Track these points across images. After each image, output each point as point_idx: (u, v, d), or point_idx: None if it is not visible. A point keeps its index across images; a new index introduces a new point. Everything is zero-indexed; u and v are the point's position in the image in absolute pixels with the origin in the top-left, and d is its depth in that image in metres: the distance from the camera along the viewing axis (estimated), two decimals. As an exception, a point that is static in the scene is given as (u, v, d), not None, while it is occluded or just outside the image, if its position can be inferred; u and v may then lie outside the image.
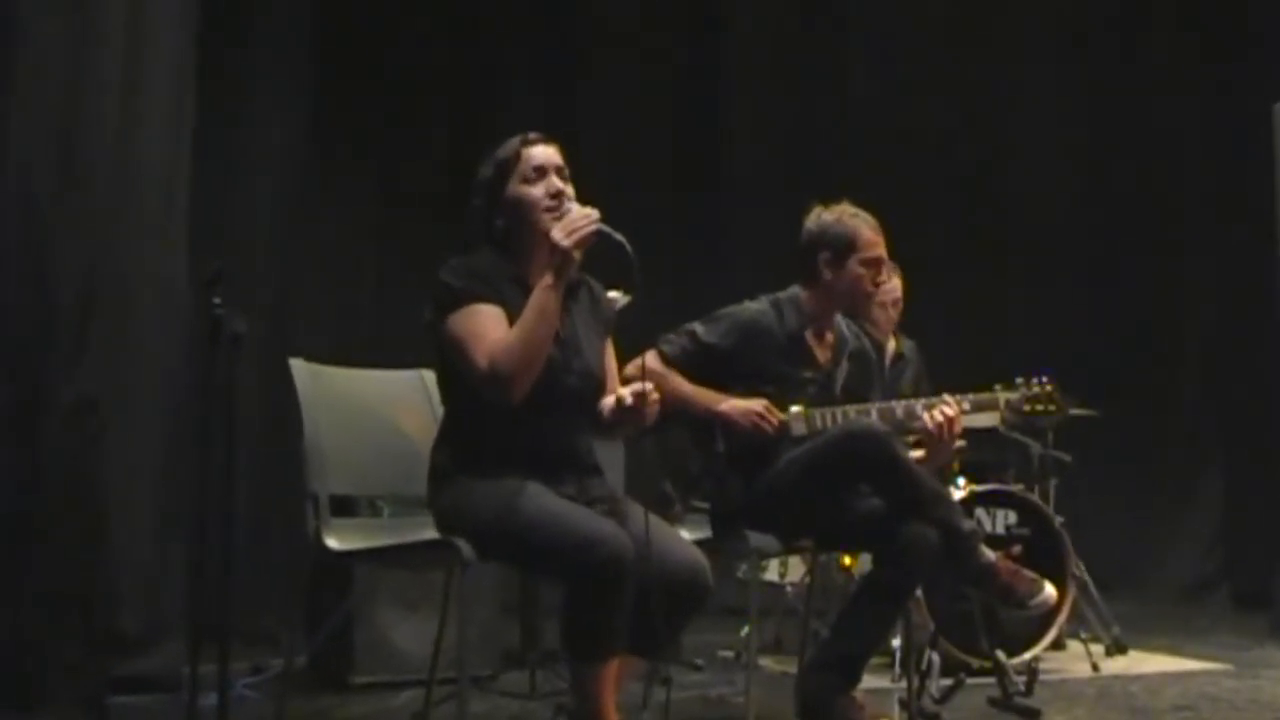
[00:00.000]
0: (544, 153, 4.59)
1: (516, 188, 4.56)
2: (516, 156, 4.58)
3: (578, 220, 4.38)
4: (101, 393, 5.94)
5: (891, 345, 7.54)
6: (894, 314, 7.47)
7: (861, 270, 5.62)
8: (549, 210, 4.50)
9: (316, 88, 8.72)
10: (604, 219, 4.40)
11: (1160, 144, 10.66)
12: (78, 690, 5.61)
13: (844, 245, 5.59)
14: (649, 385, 4.48)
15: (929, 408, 5.47)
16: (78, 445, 5.90)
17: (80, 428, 5.89)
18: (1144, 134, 10.69)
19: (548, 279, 4.36)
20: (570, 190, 4.56)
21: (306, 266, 8.69)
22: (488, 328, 4.39)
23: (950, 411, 5.44)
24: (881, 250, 5.68)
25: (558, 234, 4.36)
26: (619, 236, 4.39)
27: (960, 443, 6.45)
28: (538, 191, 4.54)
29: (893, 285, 7.28)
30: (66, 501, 5.85)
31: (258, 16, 8.44)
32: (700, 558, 4.45)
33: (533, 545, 4.25)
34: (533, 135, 4.63)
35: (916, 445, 5.54)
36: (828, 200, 5.70)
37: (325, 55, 8.79)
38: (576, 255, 4.38)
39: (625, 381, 4.93)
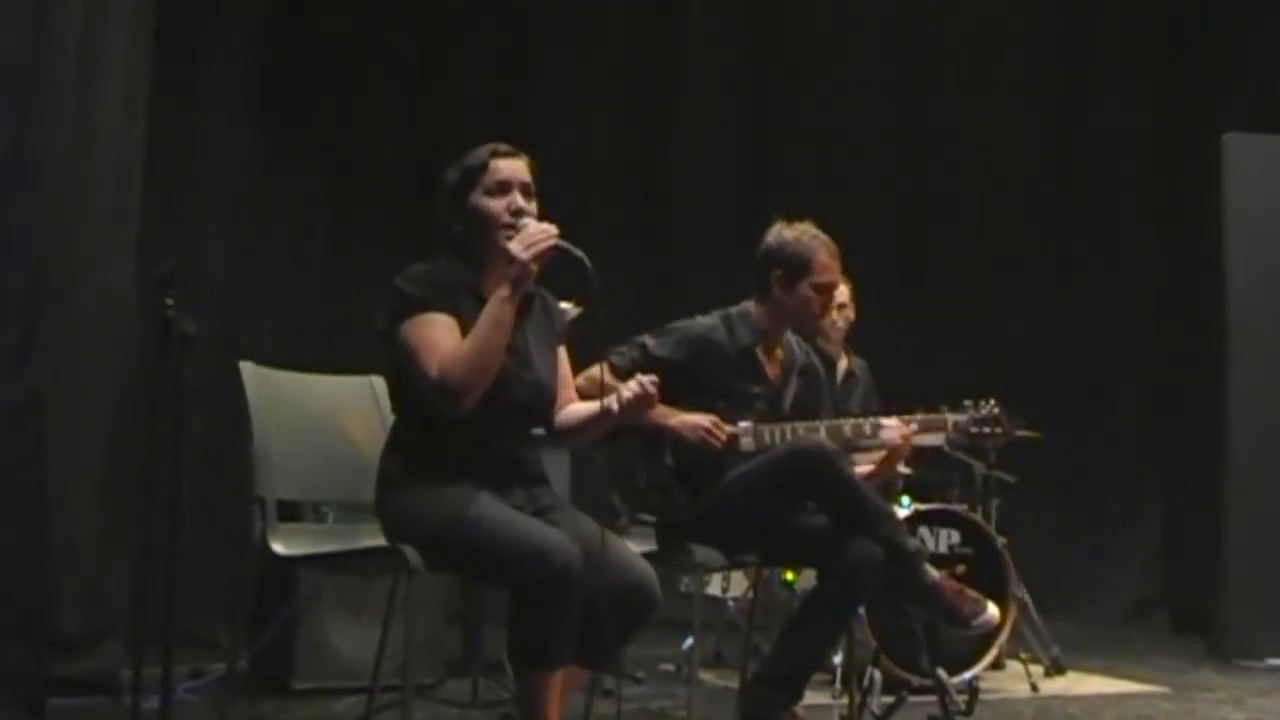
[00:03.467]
0: (512, 167, 4.58)
1: (479, 199, 4.55)
2: (484, 167, 4.56)
3: (535, 235, 4.38)
4: (47, 393, 5.90)
5: (843, 363, 7.58)
6: (840, 320, 7.48)
7: (811, 294, 5.65)
8: (507, 227, 4.50)
9: (268, 91, 8.69)
10: (558, 226, 4.42)
11: (1106, 172, 10.74)
12: (17, 692, 5.56)
13: (798, 266, 5.62)
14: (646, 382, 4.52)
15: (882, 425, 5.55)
16: (22, 446, 5.86)
17: (25, 428, 5.85)
18: (1090, 161, 10.77)
19: (503, 291, 4.36)
20: (533, 208, 4.56)
21: (257, 270, 8.66)
22: (440, 337, 4.39)
23: (908, 431, 5.52)
24: (835, 276, 5.72)
25: (515, 247, 4.36)
26: (578, 253, 4.40)
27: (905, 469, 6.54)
28: (498, 206, 4.53)
29: (839, 290, 7.28)
30: (9, 502, 5.81)
31: (209, 20, 8.41)
32: (648, 570, 4.46)
33: (481, 554, 4.25)
34: (503, 148, 4.62)
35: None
36: (791, 217, 5.72)
37: (277, 59, 8.76)
38: (533, 269, 4.39)
39: (577, 392, 4.95)
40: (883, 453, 5.74)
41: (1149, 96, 10.77)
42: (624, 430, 5.36)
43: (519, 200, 4.54)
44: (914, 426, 5.62)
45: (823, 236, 5.66)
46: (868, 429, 5.58)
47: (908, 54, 10.75)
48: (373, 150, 9.38)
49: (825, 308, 5.81)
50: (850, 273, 6.93)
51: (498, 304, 4.36)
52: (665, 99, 10.45)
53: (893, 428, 5.55)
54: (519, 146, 4.68)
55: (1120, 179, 10.74)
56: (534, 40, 10.15)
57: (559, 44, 10.16)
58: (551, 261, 4.42)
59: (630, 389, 4.52)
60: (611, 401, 4.56)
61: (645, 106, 10.40)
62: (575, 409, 4.78)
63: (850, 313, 7.60)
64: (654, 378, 4.55)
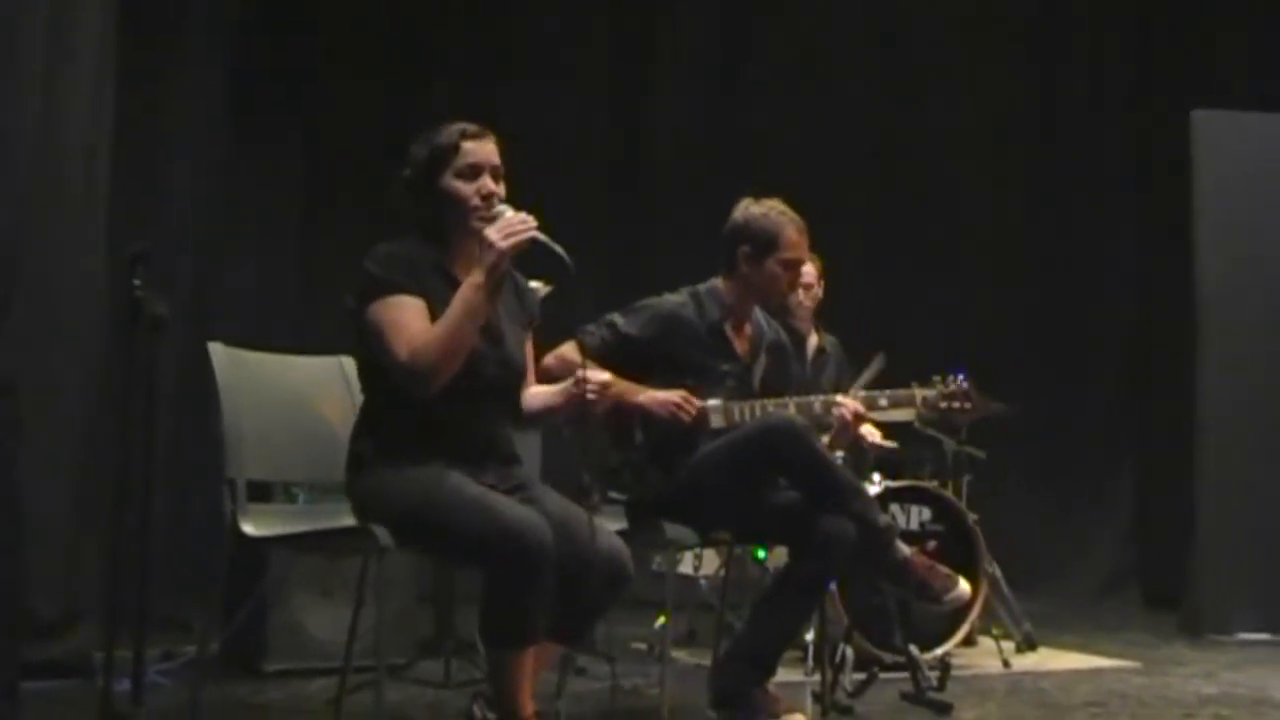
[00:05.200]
0: (482, 150, 4.55)
1: (450, 181, 4.52)
2: (455, 149, 4.53)
3: (515, 225, 4.36)
4: (19, 376, 5.88)
5: (814, 340, 7.60)
6: (806, 299, 7.49)
7: (779, 270, 5.64)
8: (477, 210, 4.48)
9: (239, 73, 8.68)
10: (534, 210, 4.41)
11: (1079, 147, 10.76)
12: (-11, 675, 5.56)
13: (765, 242, 5.62)
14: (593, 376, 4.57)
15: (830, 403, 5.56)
16: (-5, 425, 5.85)
17: (-2, 409, 5.84)
18: (1062, 137, 10.80)
19: (477, 277, 4.34)
20: (501, 190, 4.54)
21: (227, 251, 8.65)
22: (409, 319, 4.37)
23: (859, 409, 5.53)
24: (803, 253, 5.72)
25: (494, 235, 4.34)
26: (558, 248, 4.38)
27: (873, 434, 6.52)
28: (469, 190, 4.50)
29: (806, 270, 7.30)
30: (-21, 485, 5.80)
31: (180, 4, 8.38)
32: (621, 546, 4.47)
33: (454, 533, 4.25)
34: (472, 129, 4.58)
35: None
36: (759, 194, 5.72)
37: (248, 39, 8.75)
38: (508, 258, 4.38)
39: (544, 372, 4.96)
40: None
41: (1121, 75, 10.79)
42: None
43: (489, 184, 4.52)
44: (884, 403, 5.63)
45: (790, 213, 5.66)
46: (817, 407, 5.57)
47: (885, 39, 10.77)
48: (345, 133, 9.38)
49: (793, 284, 5.81)
50: (818, 251, 6.94)
51: (472, 290, 4.33)
52: (641, 74, 10.49)
53: (845, 406, 5.55)
54: (495, 131, 4.65)
55: (1093, 160, 10.77)
56: (511, 26, 10.15)
57: (536, 30, 10.16)
58: (529, 252, 4.41)
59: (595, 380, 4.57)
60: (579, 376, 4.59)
61: (622, 89, 10.43)
62: (536, 393, 4.79)
63: (818, 291, 7.61)
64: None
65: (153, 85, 8.06)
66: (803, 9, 10.55)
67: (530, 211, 4.42)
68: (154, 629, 5.90)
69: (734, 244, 5.66)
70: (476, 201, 4.50)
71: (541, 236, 4.38)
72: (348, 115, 9.42)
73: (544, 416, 4.80)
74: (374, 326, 4.40)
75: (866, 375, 6.98)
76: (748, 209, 5.69)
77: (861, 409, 5.57)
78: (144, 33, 7.46)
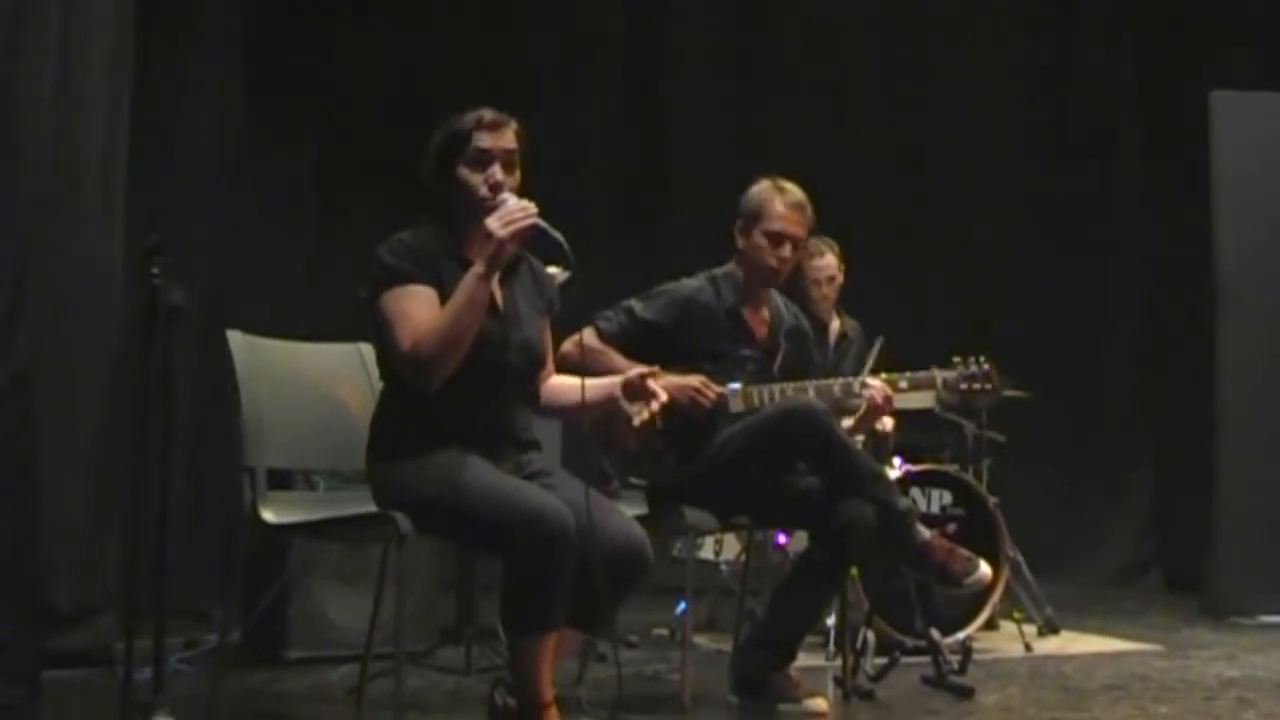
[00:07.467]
0: (493, 139, 4.53)
1: (461, 169, 4.53)
2: (467, 136, 4.52)
3: (515, 213, 4.35)
4: (37, 367, 5.89)
5: (836, 325, 7.59)
6: (829, 291, 7.49)
7: (763, 242, 5.62)
8: (484, 200, 4.47)
9: (256, 62, 8.67)
10: (541, 202, 4.40)
11: (1095, 130, 10.73)
12: (10, 665, 5.56)
13: (751, 214, 5.64)
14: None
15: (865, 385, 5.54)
16: (12, 419, 5.84)
17: (15, 401, 5.84)
18: (1078, 121, 10.77)
19: (479, 268, 4.34)
20: (514, 180, 4.54)
21: (244, 239, 8.63)
22: (416, 309, 4.38)
23: (889, 393, 5.52)
24: (786, 225, 5.63)
25: (494, 224, 4.34)
26: (557, 234, 4.38)
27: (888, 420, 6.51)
28: (478, 179, 4.51)
29: (826, 263, 7.36)
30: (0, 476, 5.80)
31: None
32: (640, 532, 4.46)
33: (474, 519, 4.25)
34: (489, 117, 4.56)
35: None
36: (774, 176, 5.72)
37: (262, 29, 8.73)
38: (510, 247, 4.37)
39: (562, 359, 4.94)
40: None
41: (1138, 56, 10.75)
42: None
43: (497, 174, 4.51)
44: (904, 385, 5.61)
45: (788, 188, 5.63)
46: (856, 388, 5.56)
47: (898, 25, 10.73)
48: (360, 120, 9.37)
49: (782, 260, 5.69)
50: (836, 237, 6.93)
51: (474, 280, 4.33)
52: (657, 69, 10.48)
53: (877, 387, 5.54)
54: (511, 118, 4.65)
55: (1112, 141, 10.73)
56: (528, 21, 10.14)
57: (552, 25, 10.15)
58: (531, 240, 4.41)
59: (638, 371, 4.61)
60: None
61: (637, 79, 10.43)
62: (559, 387, 4.78)
63: (839, 280, 7.58)
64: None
65: (168, 76, 8.06)
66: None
67: (539, 204, 4.41)
68: (176, 618, 5.93)
69: (734, 221, 5.67)
70: (485, 191, 4.49)
71: (542, 223, 4.37)
72: (362, 106, 9.41)
73: (569, 413, 4.79)
74: (384, 316, 4.42)
75: (870, 361, 6.97)
76: (750, 186, 5.69)
77: (891, 392, 5.55)
78: (159, 24, 7.45)
